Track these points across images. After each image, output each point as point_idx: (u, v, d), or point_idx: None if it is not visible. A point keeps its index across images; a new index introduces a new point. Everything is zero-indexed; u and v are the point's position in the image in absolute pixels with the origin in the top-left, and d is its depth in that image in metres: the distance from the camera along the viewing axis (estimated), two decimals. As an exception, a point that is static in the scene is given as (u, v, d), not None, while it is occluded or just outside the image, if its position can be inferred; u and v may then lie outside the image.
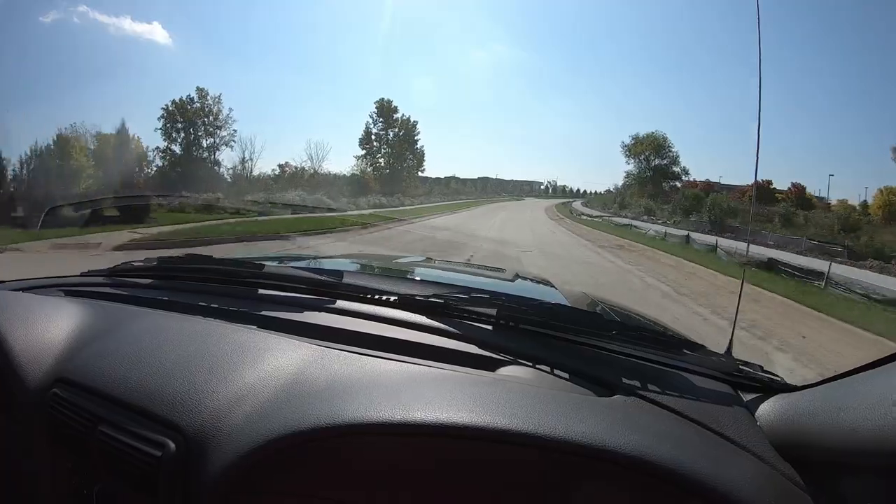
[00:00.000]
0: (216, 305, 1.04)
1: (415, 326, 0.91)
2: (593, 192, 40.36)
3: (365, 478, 0.65)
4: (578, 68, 45.05)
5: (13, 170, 19.34)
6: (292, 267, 1.21)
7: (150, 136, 27.89)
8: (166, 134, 26.55)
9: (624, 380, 0.78)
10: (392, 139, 36.74)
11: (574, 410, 0.66)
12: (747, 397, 0.80)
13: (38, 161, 20.08)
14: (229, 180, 26.50)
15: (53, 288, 1.24)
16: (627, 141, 35.10)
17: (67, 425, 0.78)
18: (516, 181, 42.51)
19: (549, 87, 47.47)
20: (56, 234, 9.31)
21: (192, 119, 26.65)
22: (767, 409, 0.75)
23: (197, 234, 10.74)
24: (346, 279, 1.07)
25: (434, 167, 50.86)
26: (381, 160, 34.97)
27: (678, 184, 33.01)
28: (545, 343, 0.87)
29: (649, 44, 41.75)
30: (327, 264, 1.72)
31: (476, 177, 40.71)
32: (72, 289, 1.22)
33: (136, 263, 1.31)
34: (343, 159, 33.81)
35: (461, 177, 40.21)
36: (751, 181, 27.87)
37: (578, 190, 41.55)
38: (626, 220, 25.79)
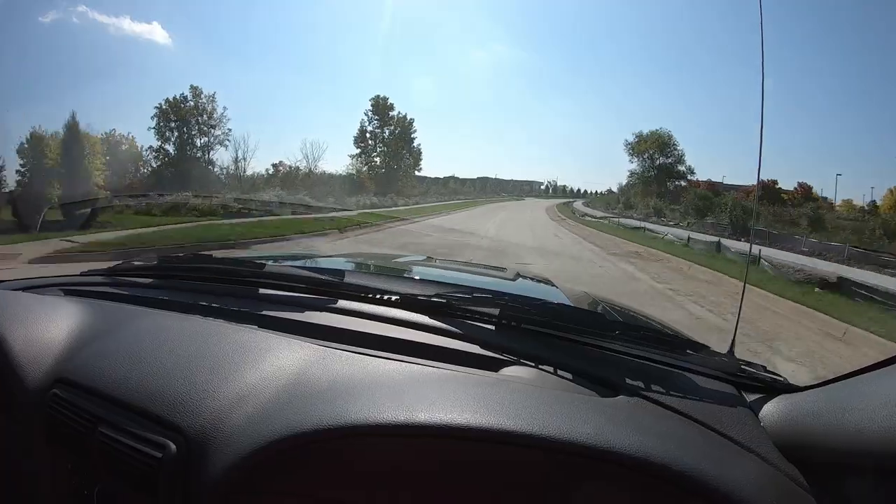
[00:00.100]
0: (216, 305, 1.03)
1: (417, 326, 0.90)
2: (593, 192, 40.19)
3: (367, 479, 0.64)
4: (578, 68, 44.86)
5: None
6: (293, 266, 1.21)
7: (148, 136, 27.80)
8: (160, 133, 26.15)
9: (627, 380, 0.78)
10: (388, 137, 35.86)
11: (578, 411, 0.66)
12: (751, 398, 0.80)
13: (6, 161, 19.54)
14: (224, 180, 26.08)
15: (52, 287, 1.23)
16: (631, 139, 34.01)
17: (67, 425, 0.77)
18: (516, 181, 42.18)
19: (549, 87, 47.31)
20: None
21: (185, 118, 26.23)
22: (771, 409, 0.74)
23: (141, 242, 9.19)
24: (348, 278, 1.07)
25: (434, 167, 51.56)
26: (377, 159, 34.50)
27: (682, 183, 32.18)
28: (548, 343, 0.87)
29: (649, 44, 41.71)
30: (328, 263, 1.70)
31: (475, 177, 40.38)
32: (71, 288, 1.22)
33: (136, 263, 1.33)
34: (342, 159, 34.24)
35: (461, 177, 39.75)
36: (754, 181, 27.04)
37: (578, 190, 41.33)
38: (635, 222, 23.62)
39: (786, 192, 26.00)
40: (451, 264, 2.08)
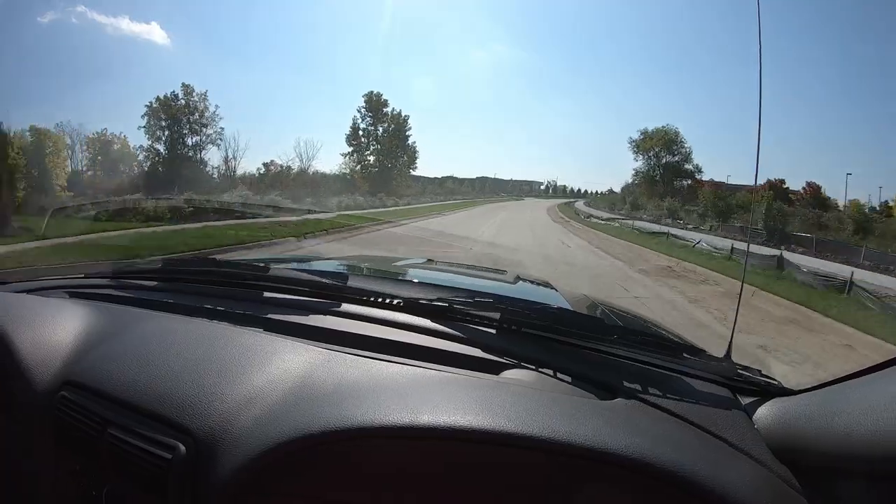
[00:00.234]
0: (221, 308, 1.04)
1: (419, 330, 0.91)
2: (594, 192, 39.81)
3: (372, 480, 0.65)
4: (578, 68, 44.44)
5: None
6: (297, 269, 1.23)
7: (142, 136, 26.85)
8: (150, 132, 25.47)
9: (625, 383, 0.79)
10: (382, 135, 34.22)
11: (576, 413, 0.67)
12: (745, 401, 0.81)
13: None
14: (217, 180, 25.46)
15: (57, 289, 1.23)
16: (635, 136, 32.44)
17: (77, 428, 0.78)
18: (515, 181, 41.83)
19: (549, 87, 46.76)
20: None
21: (176, 116, 25.61)
22: (765, 412, 0.75)
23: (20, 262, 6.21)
24: (351, 282, 1.08)
25: (433, 168, 51.52)
26: (370, 158, 33.15)
27: (685, 182, 30.86)
28: (548, 347, 0.88)
29: (649, 44, 41.27)
30: (331, 267, 1.70)
31: (474, 176, 39.96)
32: (76, 290, 1.22)
33: (140, 265, 1.39)
34: (339, 159, 33.11)
35: (460, 177, 39.13)
36: (759, 181, 25.53)
37: (578, 190, 40.97)
38: (653, 226, 20.92)
39: (793, 192, 24.85)
40: (452, 267, 2.01)
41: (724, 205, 22.83)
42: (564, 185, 40.98)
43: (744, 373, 0.84)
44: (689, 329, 5.35)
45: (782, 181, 25.03)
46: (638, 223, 21.61)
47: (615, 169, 51.56)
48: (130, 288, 1.21)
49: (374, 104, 33.92)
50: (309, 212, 15.67)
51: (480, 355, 0.85)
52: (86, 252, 7.55)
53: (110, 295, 1.17)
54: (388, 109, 33.55)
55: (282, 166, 27.56)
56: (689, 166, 32.62)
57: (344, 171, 30.80)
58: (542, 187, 41.43)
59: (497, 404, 0.67)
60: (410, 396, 0.69)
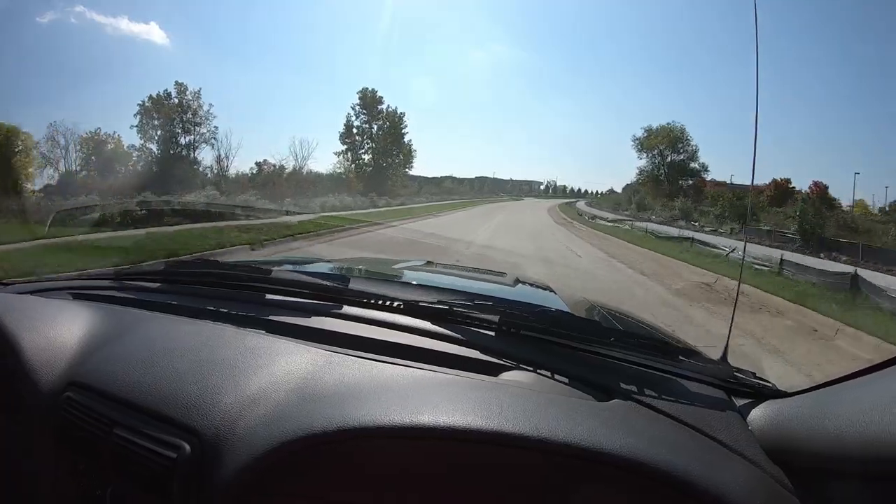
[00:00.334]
0: (224, 310, 1.04)
1: (420, 332, 0.92)
2: (594, 192, 39.77)
3: (374, 480, 0.66)
4: (578, 68, 44.94)
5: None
6: (298, 272, 1.23)
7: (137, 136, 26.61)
8: (142, 131, 25.02)
9: (622, 385, 0.80)
10: (376, 133, 32.86)
11: (573, 414, 0.68)
12: (740, 402, 0.82)
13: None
14: (212, 179, 24.86)
15: (61, 291, 1.23)
16: (639, 133, 31.26)
17: (82, 428, 0.78)
18: (515, 181, 41.66)
19: (549, 87, 47.24)
20: None
21: (169, 115, 25.13)
22: (758, 414, 0.76)
23: None
24: (352, 285, 1.08)
25: (432, 168, 51.42)
26: (365, 156, 31.91)
27: (690, 181, 29.90)
28: (546, 349, 0.88)
29: (649, 44, 41.66)
30: (332, 269, 1.69)
31: (473, 176, 39.66)
32: (79, 292, 1.22)
33: (143, 267, 1.38)
34: (336, 158, 32.37)
35: (459, 177, 38.68)
36: (763, 181, 24.82)
37: (578, 190, 40.97)
38: (663, 227, 19.03)
39: (798, 192, 24.12)
40: (452, 270, 2.05)
41: (742, 205, 21.11)
42: (564, 185, 40.90)
43: (739, 375, 0.85)
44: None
45: (788, 180, 24.61)
46: (651, 226, 19.54)
47: (615, 169, 51.87)
48: (133, 289, 1.21)
49: (369, 101, 32.58)
50: (287, 213, 14.17)
51: (479, 357, 0.86)
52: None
53: (114, 296, 1.17)
54: (384, 106, 32.23)
55: (275, 166, 27.00)
56: (694, 165, 31.51)
57: (338, 170, 29.90)
58: (542, 187, 41.31)
59: (495, 405, 0.67)
60: (411, 397, 0.70)
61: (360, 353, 0.82)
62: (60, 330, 0.93)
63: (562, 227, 19.54)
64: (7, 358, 0.87)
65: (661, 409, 0.74)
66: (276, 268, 1.19)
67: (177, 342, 0.87)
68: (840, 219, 18.16)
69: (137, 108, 24.66)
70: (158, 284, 1.23)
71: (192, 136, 25.40)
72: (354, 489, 0.65)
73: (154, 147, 24.81)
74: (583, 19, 47.46)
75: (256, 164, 26.92)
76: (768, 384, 0.84)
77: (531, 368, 0.83)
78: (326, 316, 0.98)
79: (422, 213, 20.29)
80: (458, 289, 1.21)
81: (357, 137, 32.87)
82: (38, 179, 21.60)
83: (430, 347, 0.87)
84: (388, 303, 1.00)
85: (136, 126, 24.79)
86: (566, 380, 0.80)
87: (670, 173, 31.79)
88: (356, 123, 32.44)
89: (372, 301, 1.01)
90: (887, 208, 20.43)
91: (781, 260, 10.17)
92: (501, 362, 0.84)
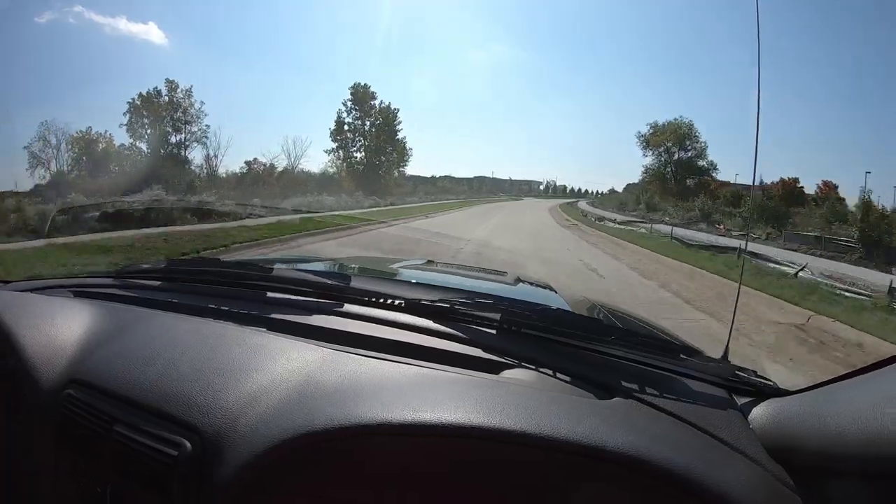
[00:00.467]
0: (225, 308, 1.04)
1: (421, 330, 0.92)
2: (594, 191, 39.56)
3: (375, 478, 0.66)
4: (578, 68, 44.71)
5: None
6: (300, 270, 1.23)
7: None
8: (131, 130, 24.36)
9: (623, 383, 0.80)
10: (369, 130, 31.37)
11: (574, 412, 0.68)
12: (741, 401, 0.81)
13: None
14: (203, 179, 24.34)
15: (61, 289, 1.23)
16: (644, 130, 29.94)
17: (82, 426, 0.78)
18: (514, 180, 41.50)
19: (549, 87, 46.89)
20: None
21: (159, 113, 24.57)
22: (760, 412, 0.76)
23: None
24: (354, 283, 1.08)
25: (432, 167, 51.31)
26: (357, 154, 30.58)
27: (694, 179, 28.65)
28: (548, 347, 0.88)
29: (649, 44, 41.32)
30: (333, 267, 1.70)
31: (472, 176, 39.44)
32: (80, 290, 1.21)
33: (143, 265, 1.34)
34: (329, 157, 31.81)
35: (458, 176, 38.39)
36: (765, 180, 23.99)
37: (579, 189, 40.82)
38: (688, 232, 16.12)
39: (806, 192, 23.49)
40: (453, 268, 2.07)
41: (772, 206, 18.53)
42: (564, 185, 40.78)
43: (740, 374, 0.85)
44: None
45: (796, 180, 23.78)
46: (676, 230, 16.43)
47: (615, 169, 51.87)
48: (134, 287, 1.21)
49: (361, 96, 31.09)
50: (250, 216, 12.47)
51: (481, 355, 0.86)
52: None
53: (114, 294, 1.16)
54: (376, 102, 30.72)
55: (265, 165, 26.37)
56: (702, 163, 30.15)
57: (330, 169, 28.90)
58: (541, 187, 41.24)
59: (497, 403, 0.67)
60: (412, 395, 0.69)
61: (361, 351, 0.82)
62: (61, 328, 0.93)
63: (567, 230, 17.04)
64: (7, 357, 0.87)
65: (662, 408, 0.74)
66: (277, 266, 1.19)
67: (178, 340, 0.87)
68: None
69: (126, 106, 24.12)
70: (159, 282, 1.22)
71: (183, 135, 24.90)
72: (355, 487, 0.65)
73: (144, 146, 24.27)
74: (583, 19, 47.21)
75: (246, 163, 26.34)
76: (770, 383, 0.84)
77: (533, 367, 0.83)
78: (328, 314, 0.98)
79: (411, 215, 18.17)
80: (459, 287, 1.23)
81: (349, 134, 31.41)
82: (30, 179, 21.34)
83: (431, 345, 0.87)
84: (389, 301, 1.00)
85: (126, 125, 24.21)
86: (568, 378, 0.80)
87: (677, 171, 30.43)
88: (348, 120, 30.98)
89: (373, 299, 1.01)
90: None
91: (892, 286, 7.17)
92: (503, 360, 0.84)
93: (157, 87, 24.61)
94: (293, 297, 1.05)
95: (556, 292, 1.52)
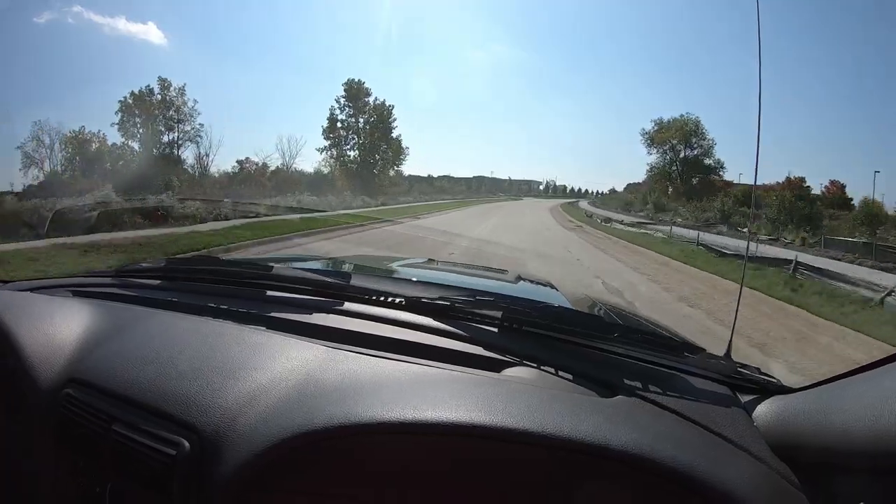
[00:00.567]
0: (225, 307, 1.03)
1: (422, 328, 0.91)
2: (594, 191, 38.96)
3: (375, 476, 0.66)
4: (578, 68, 44.91)
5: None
6: (299, 269, 1.22)
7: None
8: (123, 129, 23.97)
9: (626, 381, 0.79)
10: (363, 127, 30.14)
11: (577, 410, 0.68)
12: (745, 399, 0.81)
13: None
14: (197, 178, 24.07)
15: (60, 288, 1.22)
16: (649, 127, 28.88)
17: (81, 425, 0.78)
18: (514, 180, 40.70)
19: (549, 87, 47.18)
20: None
21: (151, 112, 24.17)
22: (764, 410, 0.76)
23: None
24: (354, 281, 1.08)
25: (431, 167, 50.66)
26: (350, 152, 29.45)
27: (697, 178, 27.97)
28: (549, 345, 0.88)
29: (649, 43, 41.51)
30: (333, 266, 1.69)
31: (471, 176, 38.83)
32: (79, 289, 1.21)
33: (143, 264, 1.34)
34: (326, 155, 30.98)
35: (457, 176, 37.73)
36: (765, 180, 23.47)
37: (578, 189, 40.11)
38: (713, 236, 13.91)
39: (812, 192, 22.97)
40: (454, 267, 2.04)
41: (803, 208, 16.07)
42: (564, 185, 40.64)
43: (743, 371, 0.85)
44: None
45: (802, 179, 23.31)
46: (703, 236, 13.72)
47: (615, 168, 52.55)
48: (134, 287, 1.20)
49: (354, 92, 29.85)
50: (216, 218, 11.22)
51: (482, 353, 0.85)
52: None
53: (114, 293, 1.16)
54: (371, 98, 29.49)
55: (257, 164, 26.01)
56: (709, 161, 28.97)
57: (323, 168, 28.17)
58: (541, 187, 41.06)
59: (499, 401, 0.67)
60: (413, 393, 0.69)
61: (361, 350, 0.82)
62: (60, 327, 0.93)
63: (572, 233, 15.52)
64: (7, 357, 0.87)
65: (665, 405, 0.74)
66: (276, 264, 1.18)
67: (177, 339, 0.87)
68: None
69: (118, 104, 23.70)
70: (158, 281, 1.22)
71: (176, 134, 24.60)
72: (355, 485, 0.65)
73: (136, 145, 23.90)
74: (583, 19, 47.45)
75: (238, 162, 25.97)
76: (773, 380, 0.83)
77: (534, 365, 0.83)
78: (328, 312, 0.97)
79: (401, 216, 16.67)
80: (460, 285, 1.22)
81: (342, 132, 30.20)
82: (24, 179, 21.19)
83: (432, 344, 0.86)
84: (389, 299, 1.00)
85: (117, 124, 23.73)
86: (570, 376, 0.80)
87: (684, 170, 29.26)
88: (341, 117, 29.81)
89: (374, 297, 1.01)
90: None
91: None
92: (504, 358, 0.84)
93: (149, 86, 24.06)
94: (292, 295, 1.05)
95: (557, 290, 1.53)
